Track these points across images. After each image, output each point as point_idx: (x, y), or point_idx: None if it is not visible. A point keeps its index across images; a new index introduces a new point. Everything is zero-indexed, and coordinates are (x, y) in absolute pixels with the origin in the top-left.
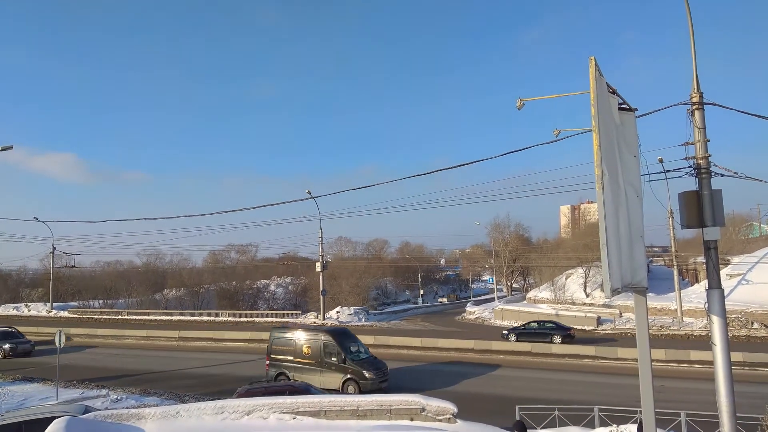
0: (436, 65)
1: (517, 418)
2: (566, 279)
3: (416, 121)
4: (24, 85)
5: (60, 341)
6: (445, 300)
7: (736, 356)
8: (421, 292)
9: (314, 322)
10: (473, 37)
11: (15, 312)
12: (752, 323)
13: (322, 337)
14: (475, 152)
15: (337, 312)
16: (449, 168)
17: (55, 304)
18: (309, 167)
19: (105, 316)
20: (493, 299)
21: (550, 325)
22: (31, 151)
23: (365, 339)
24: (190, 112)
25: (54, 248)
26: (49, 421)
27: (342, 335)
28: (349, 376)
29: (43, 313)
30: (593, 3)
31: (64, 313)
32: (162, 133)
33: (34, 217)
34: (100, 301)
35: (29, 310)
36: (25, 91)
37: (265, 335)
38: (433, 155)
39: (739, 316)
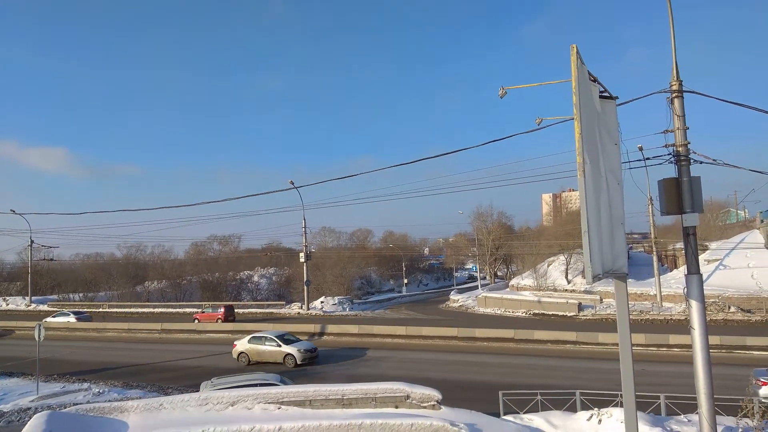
0: (431, 56)
1: (501, 404)
2: (548, 266)
3: (410, 112)
4: (18, 79)
5: (39, 335)
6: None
7: (714, 340)
8: (405, 281)
9: (298, 313)
10: (471, 28)
11: None
12: (729, 307)
13: None
14: (467, 142)
15: (322, 302)
16: (431, 157)
17: (34, 298)
18: (302, 159)
19: (85, 310)
20: (476, 287)
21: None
22: (21, 145)
23: (349, 328)
24: (184, 105)
25: (32, 241)
26: (255, 387)
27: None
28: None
29: (22, 307)
30: None
31: (44, 307)
32: (155, 127)
33: (11, 210)
34: (80, 295)
35: (7, 304)
36: (18, 84)
37: (249, 326)
38: (426, 146)
39: (717, 300)
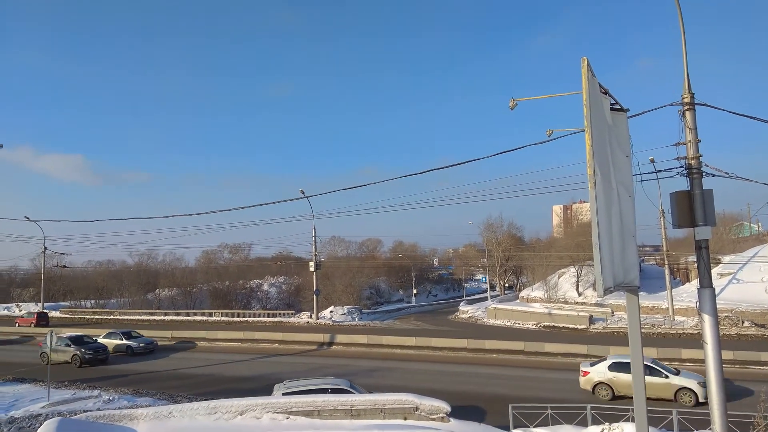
0: (441, 65)
1: (510, 417)
2: (559, 278)
3: (419, 119)
4: (32, 86)
5: (51, 342)
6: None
7: (727, 354)
8: (415, 291)
9: (308, 322)
10: (481, 36)
11: (6, 312)
12: (742, 322)
13: None
14: (476, 153)
15: (331, 312)
16: (441, 168)
17: (46, 304)
18: (311, 168)
19: (97, 316)
20: (486, 298)
21: None
22: (37, 151)
23: (358, 338)
24: (196, 112)
25: (45, 248)
26: (324, 391)
27: None
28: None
29: None
30: (601, 4)
31: (56, 314)
32: (167, 134)
33: (25, 217)
34: (92, 301)
35: (20, 311)
36: (32, 91)
37: (258, 335)
38: (435, 156)
39: (730, 314)
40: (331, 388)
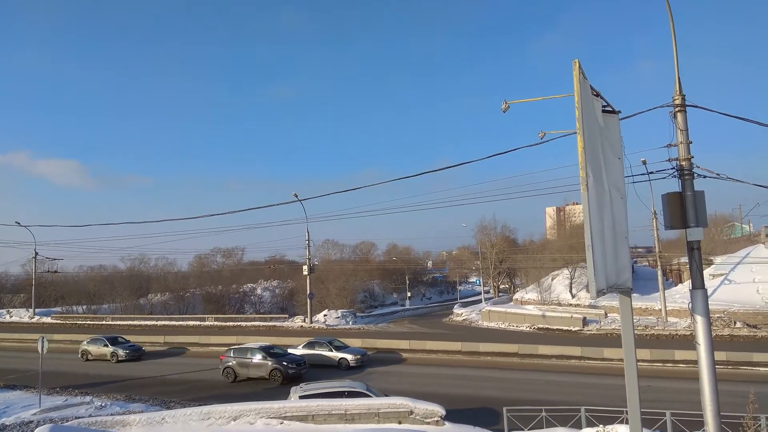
0: (441, 67)
1: (505, 420)
2: (552, 280)
3: (415, 121)
4: (30, 89)
5: (42, 347)
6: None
7: (720, 355)
8: (409, 294)
9: (301, 326)
10: (479, 39)
11: None
12: (735, 322)
13: None
14: (472, 152)
15: (325, 315)
16: (435, 171)
17: (37, 310)
18: (311, 170)
19: (89, 322)
20: (480, 301)
21: None
22: (32, 156)
23: (353, 342)
24: (194, 116)
25: (36, 253)
26: (341, 394)
27: None
28: None
29: (26, 320)
30: (599, 7)
31: (47, 319)
32: (164, 137)
33: (16, 222)
34: (84, 307)
35: (11, 317)
36: (30, 93)
37: (252, 339)
38: (433, 159)
39: (722, 315)
40: (347, 391)
